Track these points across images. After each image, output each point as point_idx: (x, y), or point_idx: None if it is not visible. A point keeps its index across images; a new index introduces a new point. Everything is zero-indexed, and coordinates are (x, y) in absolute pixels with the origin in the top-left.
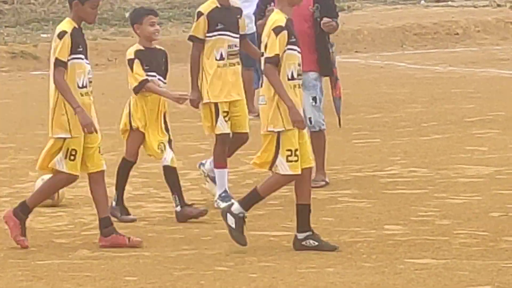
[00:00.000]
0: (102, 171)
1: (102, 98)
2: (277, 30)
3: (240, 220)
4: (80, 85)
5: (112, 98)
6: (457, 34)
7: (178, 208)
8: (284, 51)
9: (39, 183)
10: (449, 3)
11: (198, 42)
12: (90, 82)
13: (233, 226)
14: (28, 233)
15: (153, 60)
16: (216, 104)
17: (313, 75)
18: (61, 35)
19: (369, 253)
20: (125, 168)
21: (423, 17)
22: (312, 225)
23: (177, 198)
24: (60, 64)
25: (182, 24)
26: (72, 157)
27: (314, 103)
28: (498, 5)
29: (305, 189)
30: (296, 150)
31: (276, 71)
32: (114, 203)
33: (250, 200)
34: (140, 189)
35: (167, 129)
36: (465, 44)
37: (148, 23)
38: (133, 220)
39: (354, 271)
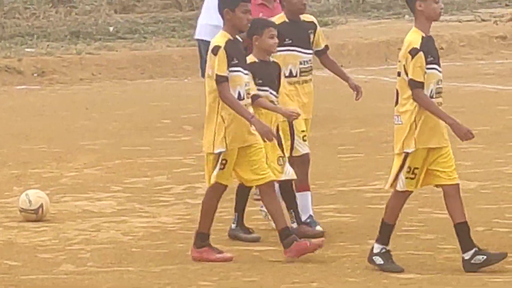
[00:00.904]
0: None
1: (86, 113)
2: (412, 52)
3: (386, 254)
4: (237, 98)
5: (96, 113)
6: (442, 48)
7: (295, 225)
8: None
9: (23, 197)
10: None
11: None
12: (248, 94)
13: (383, 263)
14: (12, 248)
15: (267, 74)
16: (290, 124)
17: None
18: (215, 50)
19: (354, 268)
20: (244, 188)
21: (407, 31)
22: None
23: (293, 215)
24: (222, 80)
25: (166, 39)
26: (222, 166)
27: None
28: (483, 20)
29: (457, 207)
30: (415, 168)
31: (424, 93)
32: (233, 225)
33: (385, 233)
34: (125, 203)
35: (280, 144)
36: (449, 59)
37: (268, 35)
38: (257, 239)
39: (339, 286)
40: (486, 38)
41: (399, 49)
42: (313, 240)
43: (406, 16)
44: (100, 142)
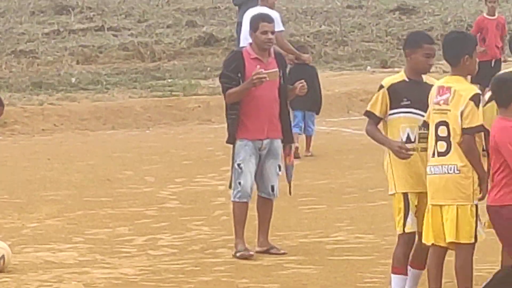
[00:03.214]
0: None
1: (47, 164)
2: None
3: None
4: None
5: (58, 164)
6: None
7: None
8: None
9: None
10: (395, 69)
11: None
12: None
13: None
14: None
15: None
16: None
17: (279, 142)
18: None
19: None
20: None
21: (369, 82)
22: None
23: None
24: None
25: (128, 90)
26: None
27: (279, 171)
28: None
29: None
30: None
31: None
32: None
33: None
34: (86, 255)
35: None
36: None
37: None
38: None
39: None
40: None
41: (361, 100)
42: None
43: (368, 68)
44: (62, 193)
